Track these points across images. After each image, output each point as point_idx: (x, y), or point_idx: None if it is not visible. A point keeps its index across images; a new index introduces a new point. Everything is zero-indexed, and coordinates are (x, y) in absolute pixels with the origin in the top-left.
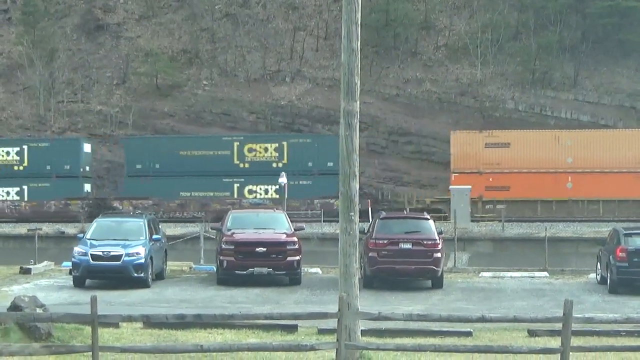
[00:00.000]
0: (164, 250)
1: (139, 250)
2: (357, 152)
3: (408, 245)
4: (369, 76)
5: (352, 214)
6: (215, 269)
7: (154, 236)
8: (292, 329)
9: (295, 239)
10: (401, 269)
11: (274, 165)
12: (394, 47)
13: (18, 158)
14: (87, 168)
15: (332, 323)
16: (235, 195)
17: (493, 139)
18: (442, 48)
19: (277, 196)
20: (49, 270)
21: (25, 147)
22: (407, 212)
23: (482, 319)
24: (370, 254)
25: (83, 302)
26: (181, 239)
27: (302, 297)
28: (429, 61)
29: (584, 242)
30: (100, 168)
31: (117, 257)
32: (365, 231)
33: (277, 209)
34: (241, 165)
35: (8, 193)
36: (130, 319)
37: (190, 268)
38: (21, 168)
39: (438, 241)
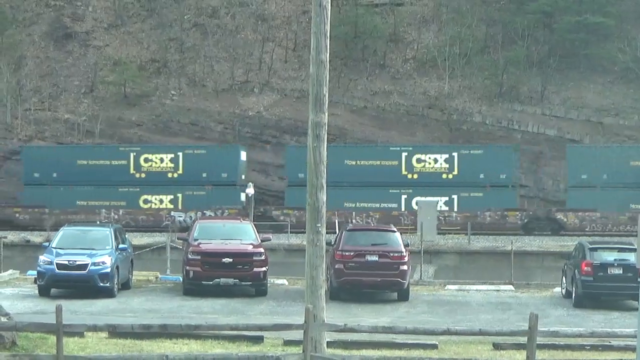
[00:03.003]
0: (130, 259)
1: (105, 260)
2: (325, 164)
3: (374, 258)
4: (337, 88)
5: (319, 225)
6: (181, 279)
7: (120, 246)
8: (258, 340)
9: (261, 250)
10: (367, 281)
11: None
12: (362, 59)
13: (447, 166)
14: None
15: (298, 334)
16: None
17: None
18: (410, 61)
19: None
20: (14, 278)
21: (455, 154)
22: (374, 225)
23: (448, 332)
24: (336, 266)
25: (48, 311)
26: (148, 249)
27: (268, 308)
28: (397, 74)
29: (549, 256)
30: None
31: (83, 267)
32: (332, 243)
33: (243, 219)
34: None
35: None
36: (95, 328)
37: (156, 278)
38: (450, 176)
39: (404, 253)
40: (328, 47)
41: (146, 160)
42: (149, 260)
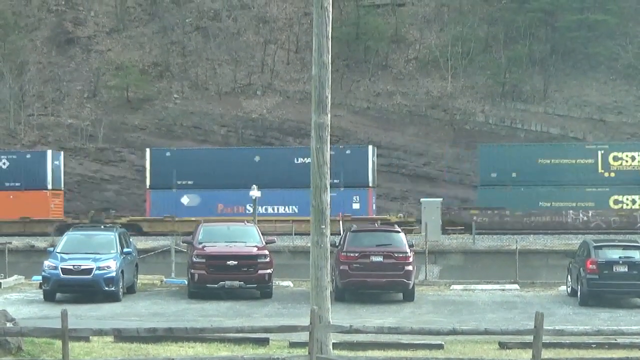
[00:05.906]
0: (135, 263)
1: (110, 264)
2: (329, 165)
3: (379, 258)
4: (340, 89)
5: (324, 226)
6: (186, 283)
7: (125, 249)
8: (264, 342)
9: (266, 252)
10: (372, 282)
11: None
12: (364, 60)
13: None
14: None
15: (303, 336)
16: None
17: None
18: (412, 61)
19: None
20: (19, 284)
21: None
22: (378, 225)
23: (454, 332)
24: (341, 267)
25: (53, 316)
26: (152, 253)
27: (273, 310)
28: (400, 74)
29: (554, 255)
30: None
31: (88, 271)
32: (337, 244)
33: (247, 222)
34: None
35: None
36: (101, 332)
37: (161, 281)
38: None
39: (409, 254)
40: (330, 48)
41: (615, 158)
42: (153, 264)
